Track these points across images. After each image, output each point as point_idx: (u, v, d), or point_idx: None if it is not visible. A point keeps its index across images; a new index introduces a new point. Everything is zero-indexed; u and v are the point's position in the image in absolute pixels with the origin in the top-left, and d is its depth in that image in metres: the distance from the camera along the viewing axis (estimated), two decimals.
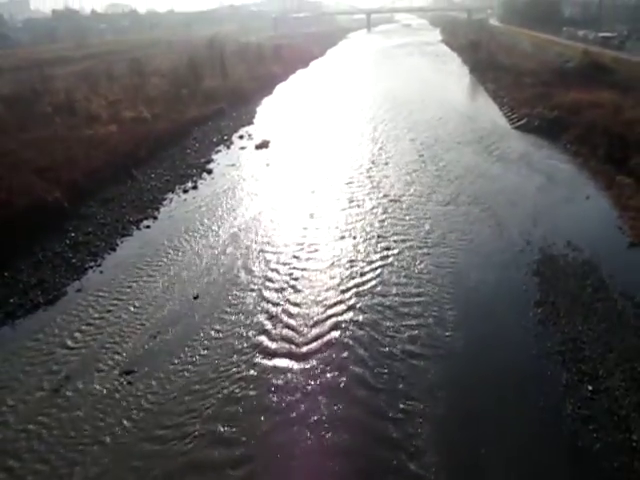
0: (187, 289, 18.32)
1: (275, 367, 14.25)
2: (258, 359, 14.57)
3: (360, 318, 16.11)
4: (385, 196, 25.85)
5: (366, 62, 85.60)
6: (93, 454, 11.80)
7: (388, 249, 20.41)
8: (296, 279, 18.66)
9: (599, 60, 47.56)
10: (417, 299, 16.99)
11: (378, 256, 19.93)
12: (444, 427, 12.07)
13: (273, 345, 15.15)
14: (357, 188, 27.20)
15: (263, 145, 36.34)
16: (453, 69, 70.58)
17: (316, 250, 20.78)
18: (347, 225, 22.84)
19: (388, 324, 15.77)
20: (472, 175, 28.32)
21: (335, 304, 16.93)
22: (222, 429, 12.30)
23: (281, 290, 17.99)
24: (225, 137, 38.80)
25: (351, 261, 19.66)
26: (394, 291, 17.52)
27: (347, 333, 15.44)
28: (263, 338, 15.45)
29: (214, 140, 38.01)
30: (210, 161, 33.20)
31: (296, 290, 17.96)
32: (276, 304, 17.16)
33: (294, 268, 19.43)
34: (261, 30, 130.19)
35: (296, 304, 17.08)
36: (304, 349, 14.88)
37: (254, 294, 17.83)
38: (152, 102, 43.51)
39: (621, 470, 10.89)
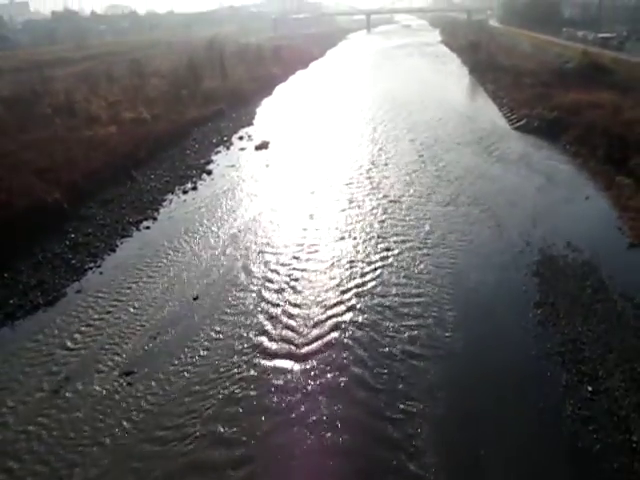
0: (187, 290, 18.33)
1: (275, 368, 14.27)
2: (258, 360, 14.58)
3: (360, 319, 16.12)
4: (385, 197, 25.87)
5: (366, 63, 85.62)
6: (93, 455, 11.80)
7: (388, 250, 20.42)
8: (296, 280, 18.67)
9: (598, 61, 47.58)
10: (417, 300, 16.99)
11: (378, 257, 19.94)
12: (444, 427, 12.08)
13: (273, 346, 15.16)
14: (357, 189, 27.21)
15: (263, 146, 36.36)
16: (453, 70, 70.61)
17: (316, 251, 20.78)
18: (347, 226, 22.85)
19: (388, 324, 15.78)
20: (472, 176, 28.34)
21: (335, 305, 16.93)
22: (222, 430, 12.30)
23: (281, 291, 18.00)
24: (225, 138, 38.82)
25: (351, 262, 19.67)
26: (394, 291, 17.53)
27: (347, 334, 15.45)
28: (263, 339, 15.46)
29: (214, 141, 38.04)
30: (210, 162, 33.22)
31: (296, 291, 17.96)
32: (276, 305, 17.17)
33: (294, 269, 19.44)
34: (261, 31, 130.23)
35: (296, 305, 17.09)
36: (304, 350, 14.88)
37: (254, 295, 17.84)
38: (152, 103, 43.56)
39: (621, 471, 10.88)
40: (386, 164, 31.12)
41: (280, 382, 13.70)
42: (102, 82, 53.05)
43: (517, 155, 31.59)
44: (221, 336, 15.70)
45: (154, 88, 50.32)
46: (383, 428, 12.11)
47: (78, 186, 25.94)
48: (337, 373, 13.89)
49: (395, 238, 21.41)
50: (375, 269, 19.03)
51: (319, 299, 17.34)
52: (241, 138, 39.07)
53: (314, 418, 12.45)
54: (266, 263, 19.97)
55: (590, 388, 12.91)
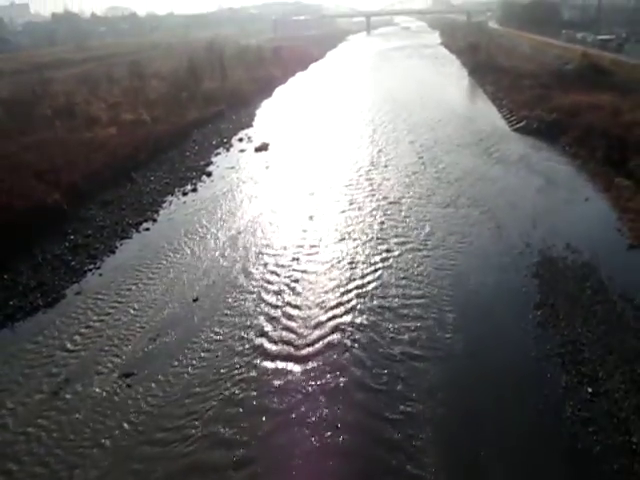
0: (186, 292, 18.32)
1: (275, 369, 14.27)
2: (258, 361, 14.58)
3: (360, 320, 16.12)
4: (385, 198, 25.87)
5: (365, 64, 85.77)
6: (93, 457, 11.80)
7: (388, 251, 20.42)
8: (296, 281, 18.67)
9: (598, 62, 47.66)
10: (417, 301, 16.99)
11: (378, 258, 19.94)
12: (443, 428, 12.08)
13: (273, 347, 15.15)
14: (356, 190, 27.22)
15: (262, 148, 36.39)
16: (452, 71, 70.67)
17: (316, 252, 20.79)
18: (347, 227, 22.85)
19: (388, 326, 15.78)
20: (471, 177, 28.35)
21: (335, 306, 16.94)
22: (223, 431, 12.30)
23: (280, 292, 18.00)
24: (225, 140, 38.85)
25: (351, 263, 19.67)
26: (394, 293, 17.53)
27: (347, 335, 15.44)
28: (263, 340, 15.46)
29: (214, 143, 38.07)
30: (210, 164, 33.25)
31: (296, 292, 17.96)
32: (276, 306, 17.17)
33: (294, 270, 19.44)
34: (261, 33, 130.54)
35: (296, 306, 17.09)
36: (304, 351, 14.88)
37: (254, 296, 17.83)
38: (152, 105, 43.61)
39: (621, 472, 10.88)
40: (386, 165, 31.14)
41: (280, 383, 13.70)
42: (102, 84, 53.16)
43: (517, 156, 31.60)
44: (221, 337, 15.70)
45: (154, 90, 50.39)
46: (383, 429, 12.12)
47: (78, 188, 25.98)
48: (337, 374, 13.88)
49: (395, 239, 21.41)
50: (375, 270, 19.03)
51: (319, 300, 17.33)
52: (241, 140, 39.10)
53: (314, 419, 12.46)
54: (266, 264, 19.98)
55: (590, 389, 12.90)
